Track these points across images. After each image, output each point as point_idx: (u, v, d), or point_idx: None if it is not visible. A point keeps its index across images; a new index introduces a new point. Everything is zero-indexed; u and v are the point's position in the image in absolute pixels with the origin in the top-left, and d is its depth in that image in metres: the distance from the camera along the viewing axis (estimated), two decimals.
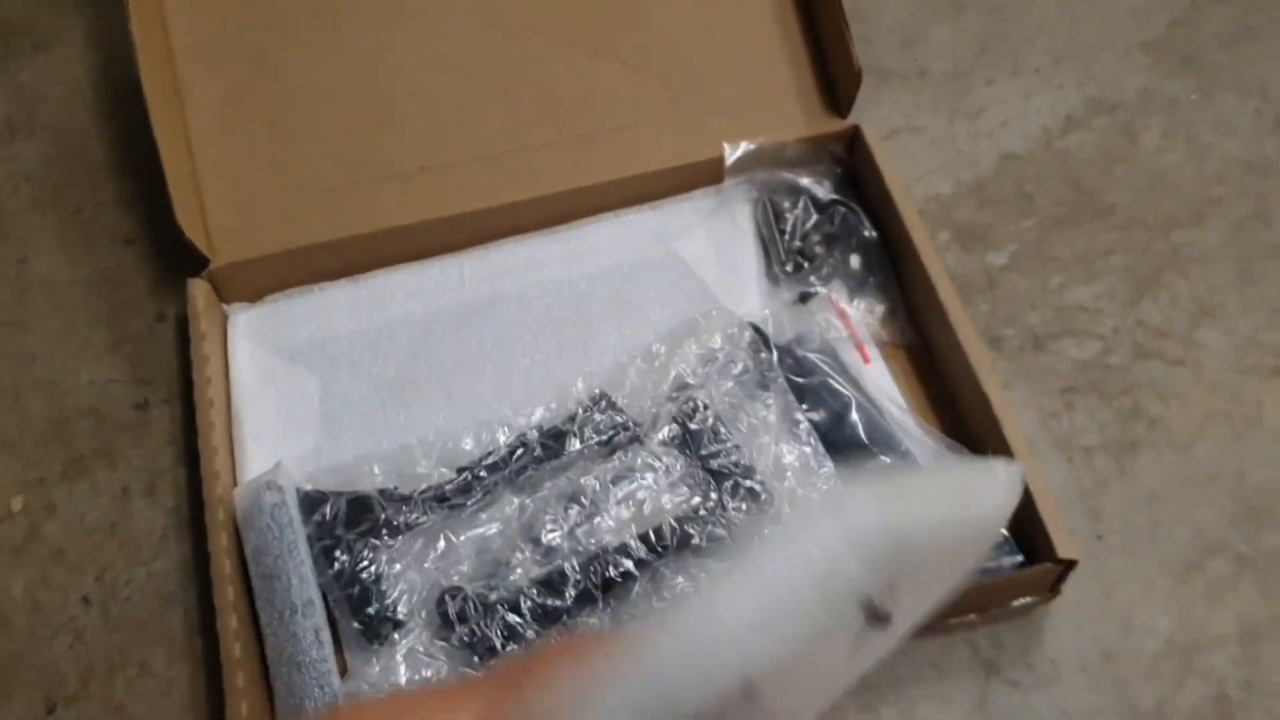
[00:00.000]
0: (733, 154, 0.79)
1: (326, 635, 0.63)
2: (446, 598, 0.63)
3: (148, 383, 0.77)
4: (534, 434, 0.69)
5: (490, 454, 0.68)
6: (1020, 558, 0.65)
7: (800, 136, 0.80)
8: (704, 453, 0.68)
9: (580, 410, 0.70)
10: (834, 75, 0.81)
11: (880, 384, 0.73)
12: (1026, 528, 0.65)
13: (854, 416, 0.69)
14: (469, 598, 0.63)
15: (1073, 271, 0.80)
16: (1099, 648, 0.67)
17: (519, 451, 0.68)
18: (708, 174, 0.80)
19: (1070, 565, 0.64)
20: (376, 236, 0.76)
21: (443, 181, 0.77)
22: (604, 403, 0.70)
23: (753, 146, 0.79)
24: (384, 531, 0.65)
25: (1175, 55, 0.90)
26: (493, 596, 0.63)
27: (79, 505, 0.73)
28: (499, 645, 0.62)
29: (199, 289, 0.73)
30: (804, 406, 0.70)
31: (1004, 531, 0.65)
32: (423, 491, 0.67)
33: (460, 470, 0.67)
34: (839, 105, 0.81)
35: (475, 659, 0.62)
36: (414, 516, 0.65)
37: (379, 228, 0.76)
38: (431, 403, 0.72)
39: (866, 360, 0.74)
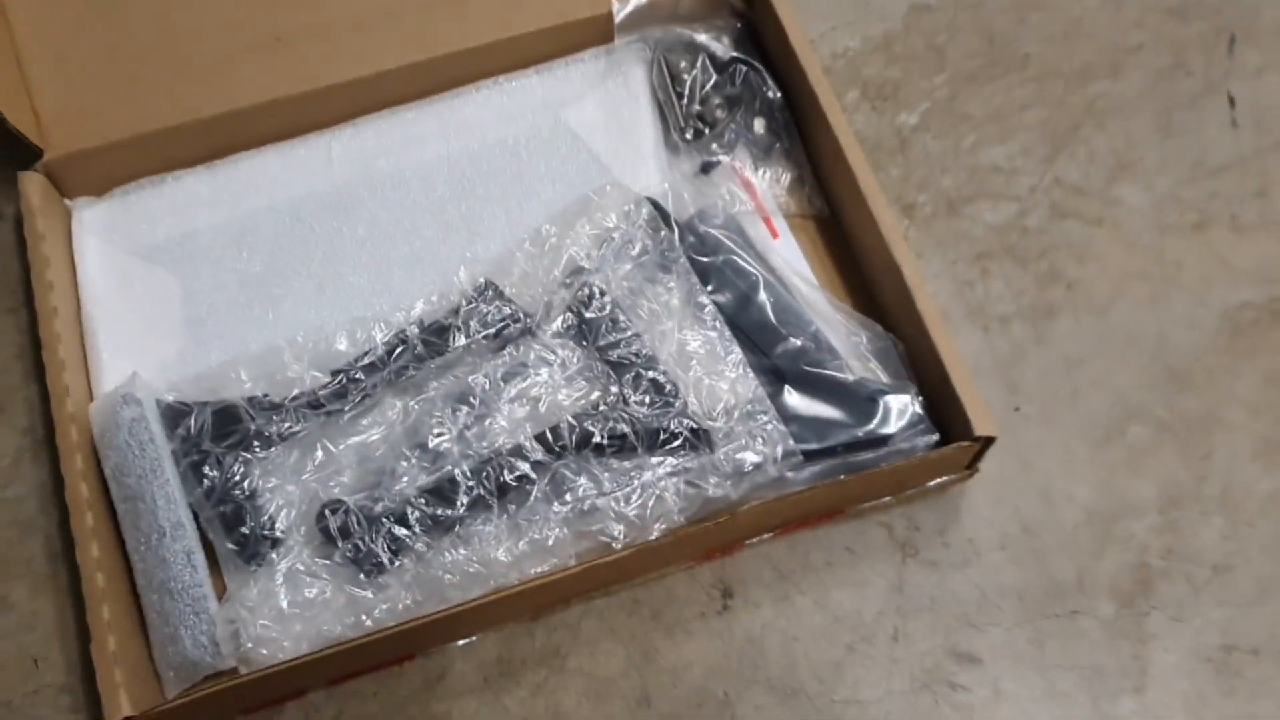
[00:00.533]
0: (622, 9, 0.73)
1: (200, 558, 0.58)
2: (327, 512, 0.59)
3: None
4: (414, 330, 0.63)
5: (367, 354, 0.63)
6: (936, 437, 0.62)
7: None
8: (602, 343, 0.63)
9: (464, 302, 0.64)
10: None
11: (789, 259, 0.69)
12: (942, 405, 0.62)
13: (762, 296, 0.65)
14: (351, 510, 0.58)
15: (987, 130, 0.76)
16: (1018, 522, 0.65)
17: (398, 350, 0.63)
18: (596, 32, 0.73)
19: (988, 442, 0.61)
20: (231, 117, 0.69)
21: (302, 52, 0.70)
22: (490, 292, 0.65)
23: (643, 1, 0.73)
24: (255, 443, 0.60)
25: None
26: (378, 508, 0.59)
27: None
28: (387, 560, 0.58)
29: (33, 183, 0.66)
30: (708, 288, 0.65)
31: (919, 410, 0.62)
32: (295, 398, 0.61)
33: (335, 373, 0.62)
34: None
35: (361, 575, 0.58)
36: (287, 426, 0.60)
37: (233, 107, 0.68)
38: (302, 299, 0.66)
39: (774, 234, 0.70)
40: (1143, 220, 0.73)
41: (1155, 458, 0.66)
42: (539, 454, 0.60)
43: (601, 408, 0.61)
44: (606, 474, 0.60)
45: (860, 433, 0.61)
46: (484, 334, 0.63)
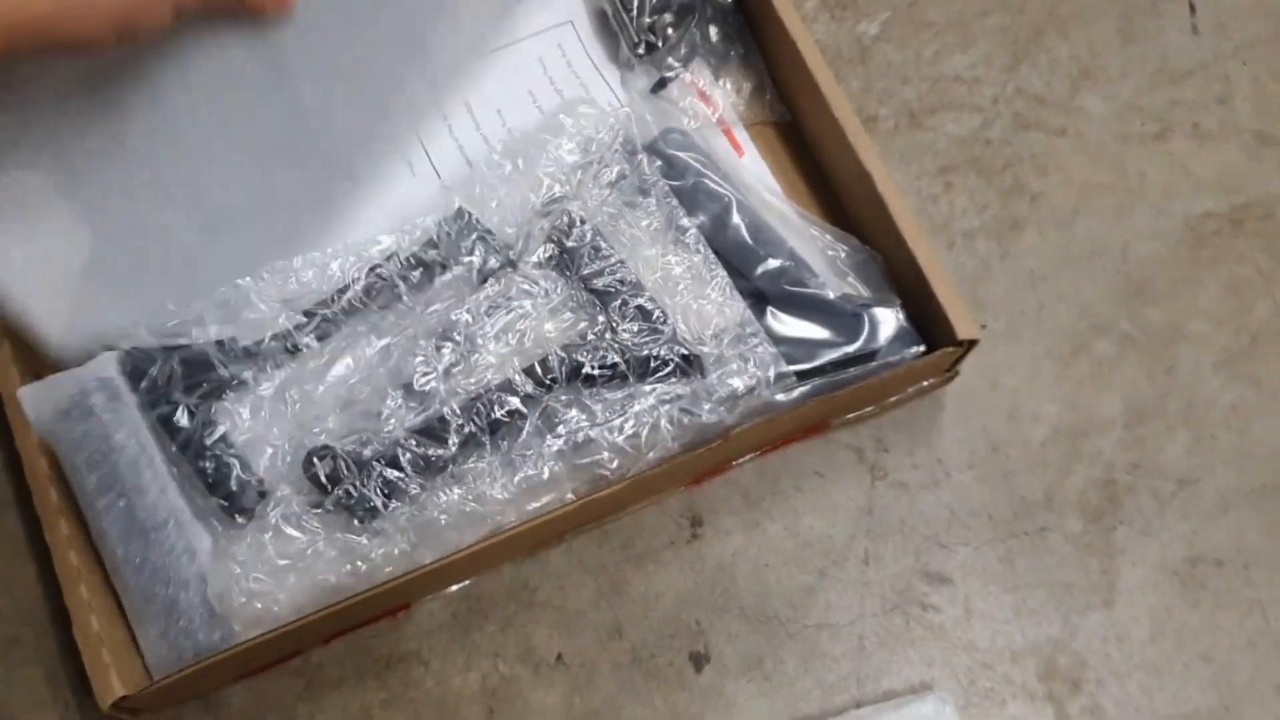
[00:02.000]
0: None
1: (202, 543, 0.56)
2: (315, 459, 0.56)
3: None
4: (392, 265, 0.60)
5: (344, 291, 0.60)
6: (923, 347, 0.61)
7: None
8: (585, 272, 0.61)
9: (441, 233, 0.61)
10: None
11: (758, 174, 0.67)
12: (922, 312, 0.62)
13: (736, 218, 0.63)
14: (340, 456, 0.56)
15: (948, 38, 0.74)
16: (986, 440, 0.65)
17: (376, 285, 0.60)
18: None
19: (971, 345, 0.60)
20: None
21: None
22: (467, 220, 0.62)
23: None
24: (229, 391, 0.57)
25: None
26: (366, 452, 0.56)
27: None
28: (381, 505, 0.56)
29: None
30: (680, 214, 0.63)
31: (904, 322, 0.61)
32: (268, 340, 0.58)
33: (308, 314, 0.59)
34: None
35: (356, 522, 0.56)
36: (262, 370, 0.58)
37: None
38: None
39: (740, 151, 0.67)
40: (1105, 130, 0.72)
41: (1120, 372, 0.66)
42: (529, 388, 0.58)
43: (589, 338, 0.59)
44: (598, 405, 0.58)
45: (849, 349, 0.60)
46: (463, 264, 0.60)
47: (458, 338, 0.59)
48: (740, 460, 0.63)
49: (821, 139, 0.67)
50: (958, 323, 0.59)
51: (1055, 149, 0.71)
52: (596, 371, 0.58)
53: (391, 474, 0.56)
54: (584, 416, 0.58)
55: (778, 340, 0.61)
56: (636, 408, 0.58)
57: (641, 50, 0.69)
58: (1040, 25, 0.74)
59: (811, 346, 0.61)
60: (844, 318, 0.61)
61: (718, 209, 0.64)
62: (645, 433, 0.58)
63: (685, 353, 0.59)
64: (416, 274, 0.61)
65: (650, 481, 0.58)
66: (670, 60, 0.69)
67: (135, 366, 0.58)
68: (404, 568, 0.56)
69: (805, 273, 0.63)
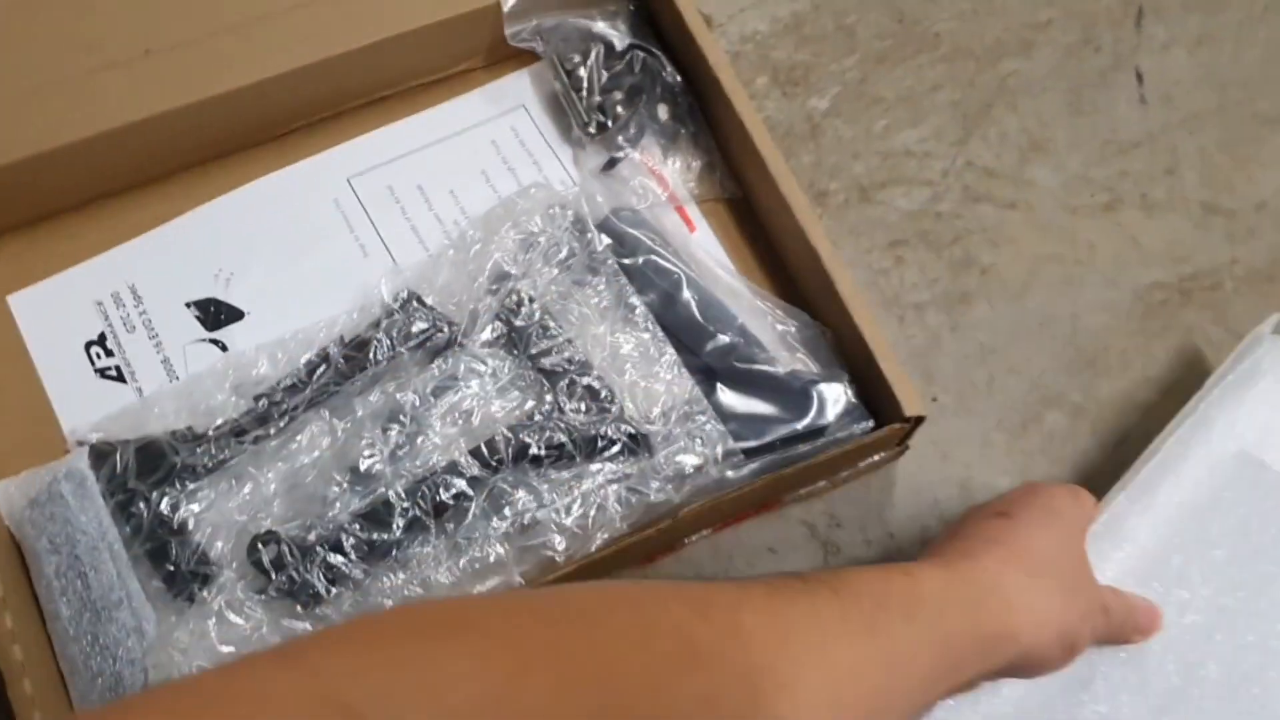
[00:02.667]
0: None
1: (150, 626, 0.56)
2: (259, 544, 0.56)
3: None
4: (335, 348, 0.61)
5: (288, 375, 0.60)
6: (871, 423, 0.61)
7: None
8: (533, 351, 0.61)
9: (386, 314, 0.62)
10: None
11: (709, 250, 0.67)
12: (870, 388, 0.62)
13: (686, 294, 0.63)
14: (284, 541, 0.56)
15: (898, 112, 0.75)
16: (938, 514, 0.65)
17: (320, 368, 0.60)
18: (485, 24, 0.70)
19: (919, 421, 0.60)
20: (104, 138, 0.64)
21: (175, 64, 0.65)
22: (414, 303, 0.62)
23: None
24: (181, 477, 0.57)
25: None
26: (311, 537, 0.56)
27: None
28: (323, 590, 0.56)
29: None
30: (629, 291, 0.64)
31: (852, 398, 0.62)
32: (219, 427, 0.59)
33: (257, 398, 0.60)
34: None
35: (298, 608, 0.56)
36: (213, 456, 0.58)
37: (106, 128, 0.64)
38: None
39: (691, 227, 0.68)
40: (1054, 202, 0.73)
41: (1072, 444, 0.67)
42: (475, 469, 0.58)
43: (536, 418, 0.59)
44: (545, 485, 0.58)
45: (797, 426, 0.60)
46: (408, 345, 0.61)
47: (404, 419, 0.59)
48: (693, 538, 0.63)
49: (771, 215, 0.68)
50: (905, 399, 0.60)
51: (1005, 221, 0.72)
52: (543, 452, 0.58)
53: (335, 559, 0.56)
54: (531, 498, 0.58)
55: (727, 417, 0.61)
56: (584, 487, 0.58)
57: (592, 130, 0.70)
58: (990, 99, 0.75)
59: (760, 423, 0.61)
60: (792, 394, 0.62)
61: (668, 286, 0.64)
62: (593, 513, 0.58)
63: (632, 431, 0.59)
64: (361, 354, 0.61)
65: (601, 563, 0.58)
66: (620, 139, 0.69)
67: (99, 456, 0.58)
68: None
69: (755, 349, 0.63)
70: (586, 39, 0.71)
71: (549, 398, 0.60)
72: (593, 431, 0.59)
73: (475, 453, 0.58)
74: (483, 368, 0.61)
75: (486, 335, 0.62)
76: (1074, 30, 0.78)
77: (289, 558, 0.56)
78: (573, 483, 0.58)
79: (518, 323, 0.62)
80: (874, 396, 0.62)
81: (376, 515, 0.57)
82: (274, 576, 0.55)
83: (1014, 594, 0.49)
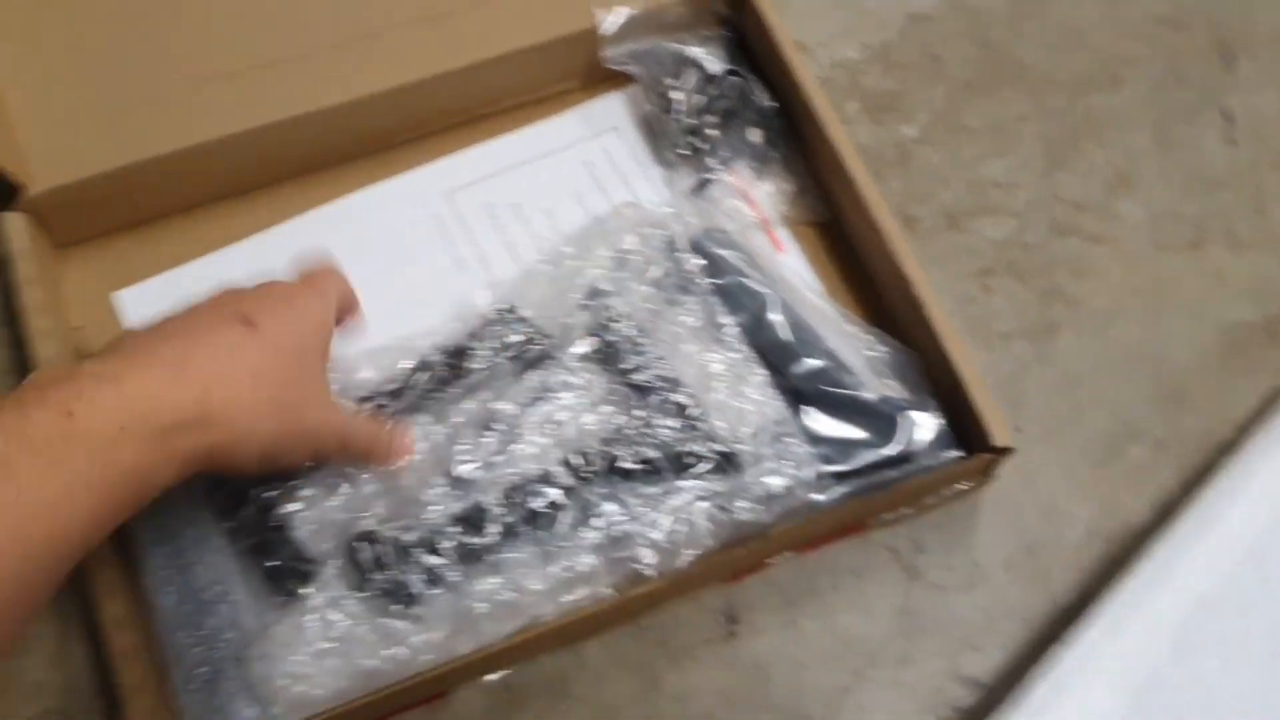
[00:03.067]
0: (606, 23, 0.71)
1: (252, 622, 0.58)
2: (359, 544, 0.57)
3: None
4: (435, 355, 0.62)
5: (390, 380, 0.62)
6: (960, 452, 0.62)
7: None
8: (625, 366, 0.62)
9: (483, 325, 0.63)
10: None
11: (798, 272, 0.68)
12: (958, 416, 0.62)
13: (775, 316, 0.64)
14: (383, 541, 0.57)
15: (986, 142, 0.75)
16: (1021, 542, 0.65)
17: (421, 374, 0.62)
18: (582, 47, 0.71)
19: (1006, 452, 0.61)
20: (211, 146, 0.66)
21: (281, 78, 0.67)
22: (510, 314, 0.63)
23: (628, 12, 0.71)
24: (284, 475, 0.59)
25: None
26: (408, 538, 0.58)
27: None
28: (420, 590, 0.57)
29: (16, 224, 0.63)
30: (717, 309, 0.64)
31: (941, 425, 0.62)
32: None
33: (361, 400, 0.61)
34: None
35: (394, 607, 0.57)
36: None
37: (214, 136, 0.66)
38: None
39: (779, 248, 0.69)
40: (1141, 237, 0.73)
41: (1154, 478, 0.67)
42: (567, 479, 0.59)
43: (627, 432, 0.60)
44: (635, 499, 0.59)
45: (886, 452, 0.61)
46: (505, 356, 0.62)
47: (500, 427, 0.61)
48: (777, 558, 0.63)
49: (862, 240, 0.69)
50: (995, 429, 0.60)
51: (1091, 254, 0.72)
52: (634, 466, 0.59)
53: (432, 560, 0.57)
54: (621, 511, 0.59)
55: (815, 440, 0.62)
56: (673, 503, 0.59)
57: (685, 152, 0.71)
58: (1077, 132, 0.76)
59: (849, 447, 0.62)
60: (882, 419, 0.62)
61: (757, 307, 0.65)
62: (683, 530, 0.59)
63: (722, 450, 0.60)
64: (461, 364, 0.62)
65: (688, 578, 0.59)
66: (712, 162, 0.70)
67: None
68: (442, 655, 0.57)
69: (844, 373, 0.64)
70: (681, 63, 0.72)
71: (639, 413, 0.61)
72: (682, 448, 0.60)
73: (567, 463, 0.59)
74: (576, 380, 0.62)
75: (579, 349, 0.63)
76: (1162, 66, 0.78)
77: (388, 557, 0.57)
78: (662, 498, 0.59)
79: (610, 338, 0.63)
80: (962, 425, 0.63)
81: (472, 519, 0.58)
82: (373, 576, 0.57)
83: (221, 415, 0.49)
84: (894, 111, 0.76)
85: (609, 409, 0.62)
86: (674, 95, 0.71)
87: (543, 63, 0.71)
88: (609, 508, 0.59)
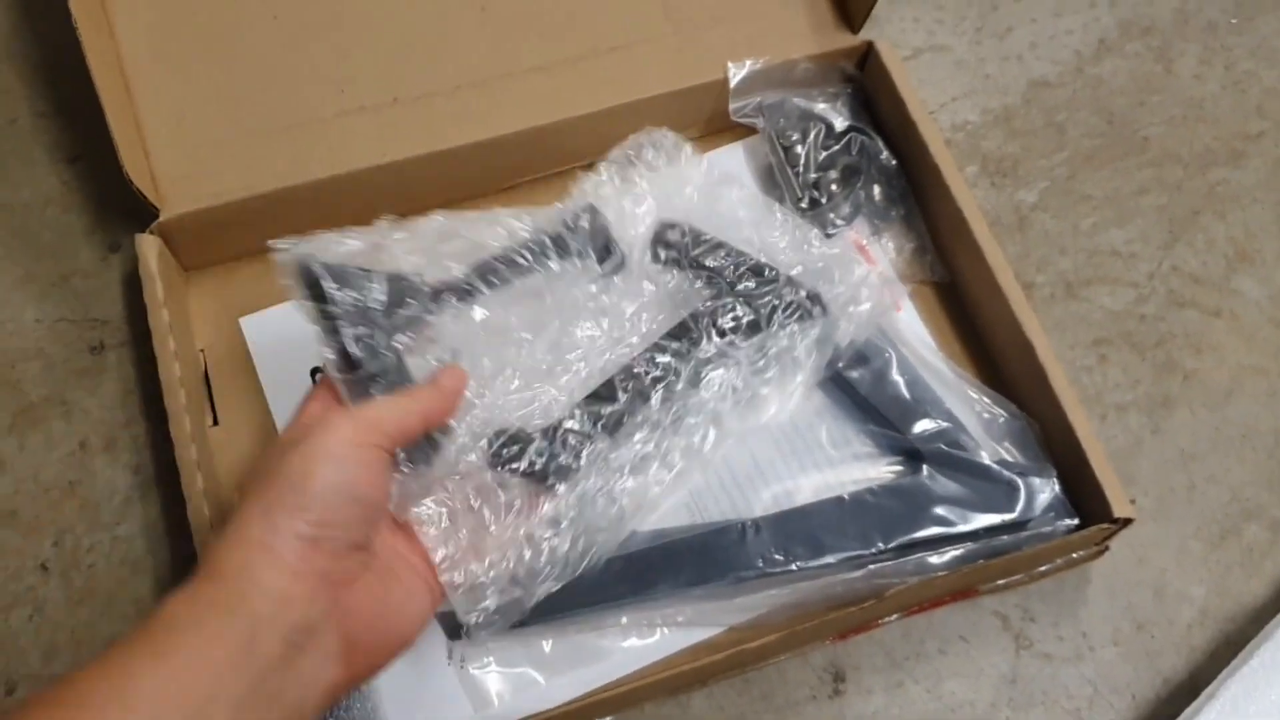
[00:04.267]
0: (737, 74, 0.72)
1: None
2: (498, 439, 0.56)
3: (102, 323, 0.69)
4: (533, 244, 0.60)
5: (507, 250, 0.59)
6: (1076, 521, 0.61)
7: (809, 54, 0.73)
8: (694, 253, 0.64)
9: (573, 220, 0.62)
10: None
11: (916, 332, 0.68)
12: (1077, 485, 0.62)
13: (895, 374, 0.64)
14: (520, 438, 0.56)
15: (1105, 212, 0.75)
16: (1131, 618, 0.64)
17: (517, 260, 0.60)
18: (711, 97, 0.73)
19: (1125, 523, 0.60)
20: (346, 179, 0.67)
21: (419, 113, 0.69)
22: (596, 214, 0.63)
23: (758, 66, 0.72)
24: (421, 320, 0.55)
25: None
26: (538, 421, 0.57)
27: (31, 460, 0.66)
28: (575, 463, 0.57)
29: (150, 246, 0.64)
30: (840, 364, 0.64)
31: (1059, 493, 0.62)
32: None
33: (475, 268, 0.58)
34: (851, 19, 0.74)
35: (550, 483, 0.57)
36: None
37: (348, 169, 0.67)
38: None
39: (897, 308, 0.69)
40: (1260, 313, 0.72)
41: (1271, 559, 0.66)
42: (675, 346, 0.60)
43: (712, 303, 0.62)
44: (741, 351, 0.61)
45: (1003, 517, 0.61)
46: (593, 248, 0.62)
47: (604, 322, 0.61)
48: (887, 619, 0.63)
49: (981, 303, 0.68)
50: (1114, 500, 0.60)
51: (1210, 328, 0.72)
52: (732, 324, 0.61)
53: (574, 426, 0.58)
54: (731, 366, 0.61)
55: (932, 500, 0.61)
56: (773, 350, 0.62)
57: (805, 204, 0.71)
58: (1197, 206, 0.75)
59: (966, 510, 0.61)
60: (1000, 484, 0.62)
61: (879, 363, 0.65)
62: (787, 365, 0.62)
63: (806, 291, 0.62)
64: (554, 255, 0.60)
65: (798, 634, 0.59)
66: (833, 216, 0.71)
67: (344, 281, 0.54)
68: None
69: (962, 434, 0.64)
70: (806, 118, 0.73)
71: (719, 283, 0.63)
72: (770, 300, 0.62)
73: (672, 334, 0.61)
74: (655, 277, 0.63)
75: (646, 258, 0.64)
76: None
77: (537, 443, 0.56)
78: (764, 345, 0.62)
79: (670, 238, 0.64)
80: (1079, 494, 0.62)
81: (601, 394, 0.59)
82: (525, 467, 0.56)
83: None
84: (1013, 176, 0.76)
85: (696, 291, 0.63)
86: (797, 149, 0.72)
87: (670, 110, 0.72)
88: (718, 372, 0.61)
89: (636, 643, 0.60)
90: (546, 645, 0.60)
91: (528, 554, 0.56)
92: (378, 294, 0.53)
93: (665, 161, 0.66)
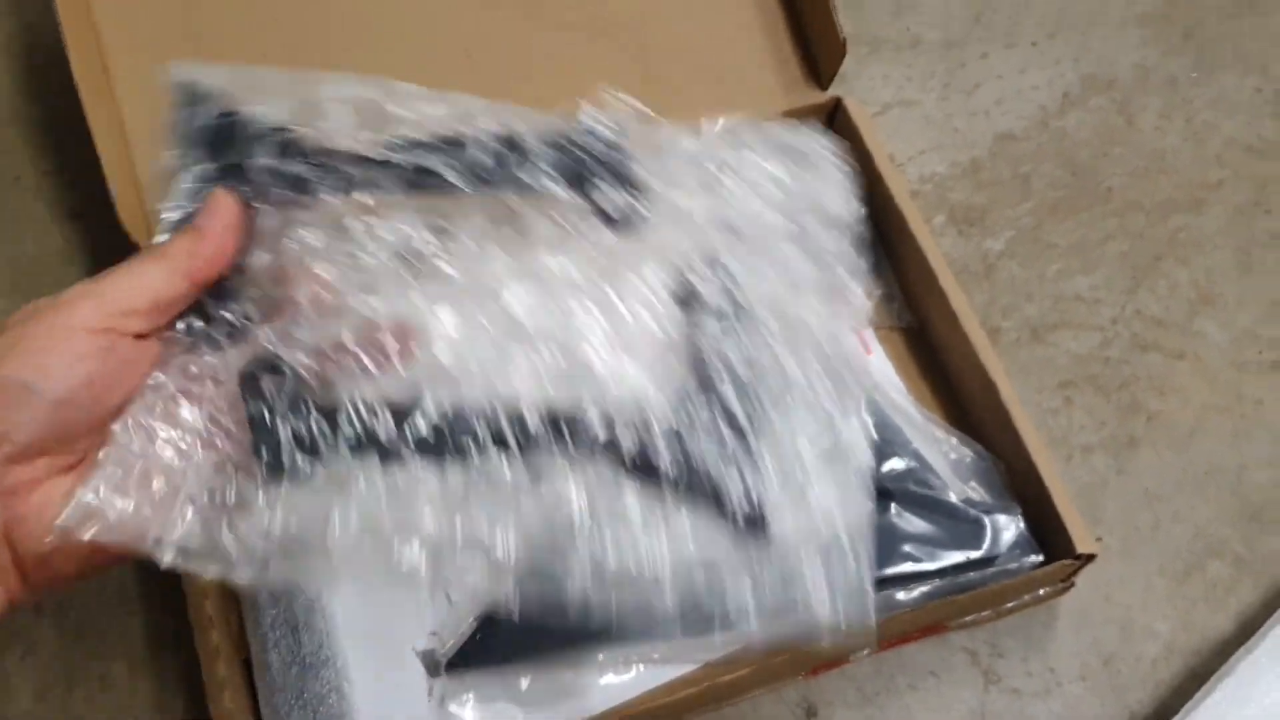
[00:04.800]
0: (710, 131, 0.75)
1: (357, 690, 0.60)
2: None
3: None
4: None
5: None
6: (1041, 557, 0.63)
7: (780, 110, 0.76)
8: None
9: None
10: (816, 45, 0.77)
11: (885, 375, 0.70)
12: (1041, 523, 0.64)
13: (863, 415, 0.66)
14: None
15: (1070, 259, 0.78)
16: (1098, 653, 0.66)
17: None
18: None
19: (1089, 559, 0.62)
20: None
21: None
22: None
23: (728, 122, 0.75)
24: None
25: (1174, 29, 0.87)
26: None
27: None
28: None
29: None
30: None
31: (1024, 530, 0.64)
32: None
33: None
34: (820, 77, 0.77)
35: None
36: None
37: None
38: None
39: (867, 351, 0.71)
40: (1222, 356, 0.75)
41: (1235, 595, 0.67)
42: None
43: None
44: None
45: (970, 554, 0.62)
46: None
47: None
48: (858, 654, 0.64)
49: (947, 347, 0.71)
50: (1077, 536, 0.62)
51: (1173, 371, 0.74)
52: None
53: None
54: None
55: (900, 538, 0.63)
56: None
57: None
58: (1160, 252, 0.78)
59: (933, 548, 0.63)
60: (966, 522, 0.64)
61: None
62: None
63: (752, 508, 0.44)
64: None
65: (772, 669, 0.61)
66: None
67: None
68: None
69: (929, 474, 0.65)
70: None
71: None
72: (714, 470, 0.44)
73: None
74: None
75: None
76: (1245, 191, 0.80)
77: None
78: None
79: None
80: (1044, 531, 0.64)
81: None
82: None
83: None
84: (980, 226, 0.79)
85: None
86: None
87: None
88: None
89: (613, 679, 0.62)
90: (524, 682, 0.61)
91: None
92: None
93: None
